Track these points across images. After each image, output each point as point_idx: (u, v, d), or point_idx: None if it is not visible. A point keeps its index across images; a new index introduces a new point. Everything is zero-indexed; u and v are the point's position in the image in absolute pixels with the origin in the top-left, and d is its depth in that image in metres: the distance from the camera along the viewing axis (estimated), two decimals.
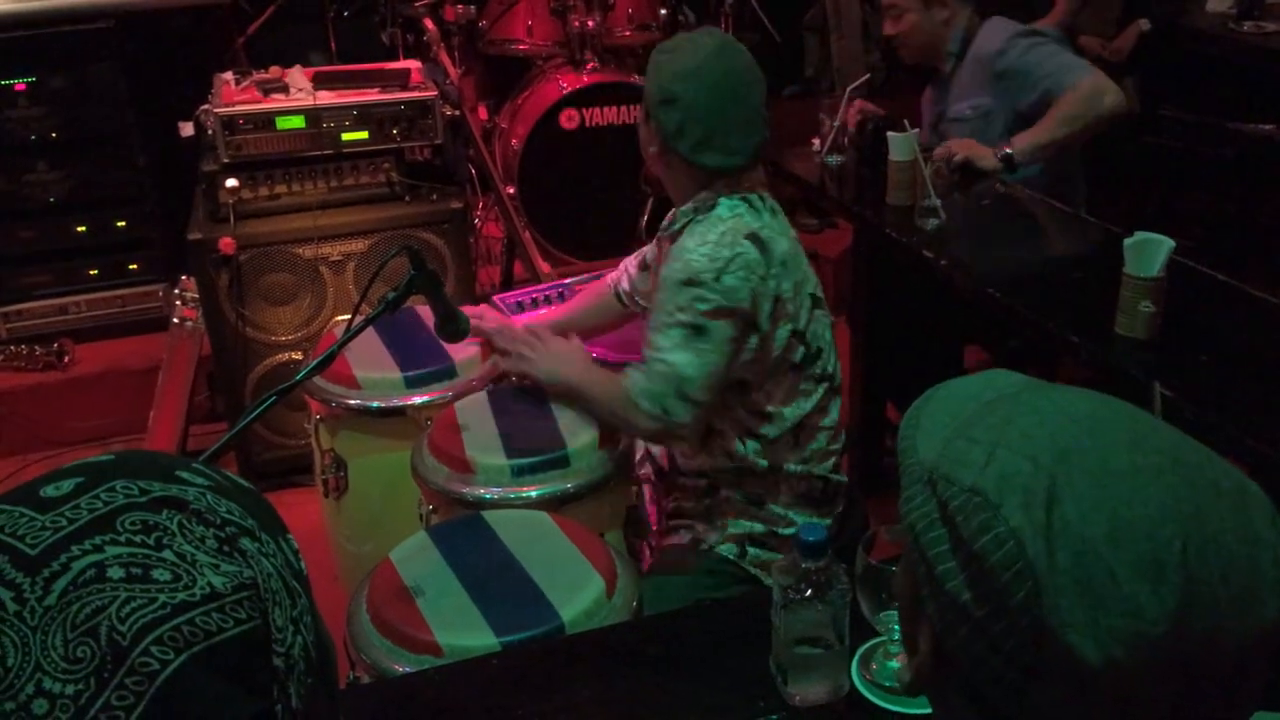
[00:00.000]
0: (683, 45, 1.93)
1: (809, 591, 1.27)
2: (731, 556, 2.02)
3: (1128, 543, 0.67)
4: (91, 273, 3.67)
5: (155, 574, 0.61)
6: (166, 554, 0.62)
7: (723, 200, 1.93)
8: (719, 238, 1.87)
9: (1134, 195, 4.39)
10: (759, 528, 2.02)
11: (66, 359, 3.59)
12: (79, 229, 3.61)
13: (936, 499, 0.75)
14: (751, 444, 1.99)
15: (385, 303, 1.68)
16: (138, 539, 0.62)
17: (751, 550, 2.02)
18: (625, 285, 2.33)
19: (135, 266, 3.70)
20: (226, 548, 0.64)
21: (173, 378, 3.39)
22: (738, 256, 1.86)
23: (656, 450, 2.25)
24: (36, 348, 3.57)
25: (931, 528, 0.75)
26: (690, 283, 1.85)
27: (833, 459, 2.05)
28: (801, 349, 1.97)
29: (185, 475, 0.68)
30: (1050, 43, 2.88)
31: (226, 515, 0.66)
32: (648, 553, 2.14)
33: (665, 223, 2.07)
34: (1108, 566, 0.67)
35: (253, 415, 1.54)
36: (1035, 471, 0.71)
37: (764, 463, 1.99)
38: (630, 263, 2.34)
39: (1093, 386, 2.51)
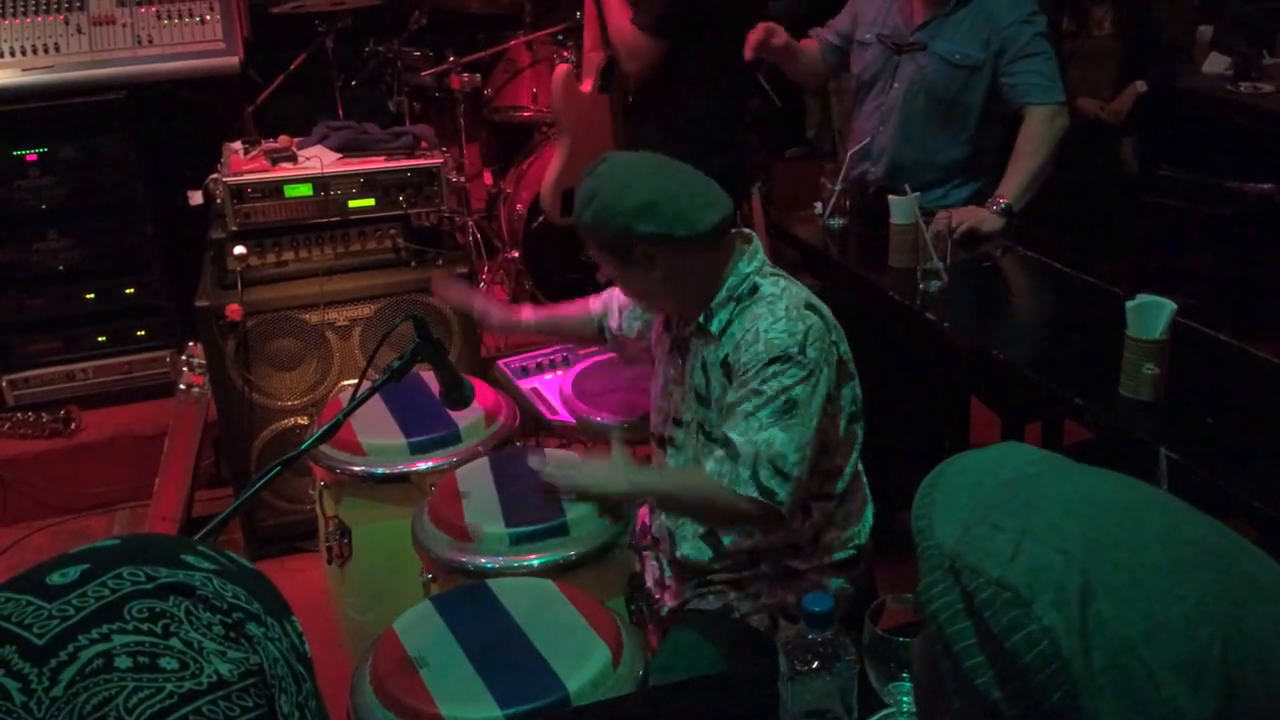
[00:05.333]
0: (600, 183, 1.87)
1: (816, 663, 1.25)
2: (762, 629, 1.99)
3: (1166, 643, 0.65)
4: (100, 339, 3.70)
5: (163, 662, 0.61)
6: (174, 642, 0.62)
7: (759, 281, 1.91)
8: (787, 311, 1.85)
9: (1135, 255, 4.41)
10: (792, 599, 1.99)
11: (73, 425, 3.60)
12: (88, 296, 3.64)
13: (960, 589, 0.72)
14: (816, 508, 1.96)
15: (390, 371, 1.69)
16: (145, 627, 0.62)
17: (783, 622, 1.99)
18: (613, 323, 2.28)
19: (143, 333, 3.73)
20: (233, 634, 0.64)
21: (179, 444, 3.40)
22: (811, 328, 1.84)
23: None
24: (43, 414, 3.58)
25: (956, 619, 0.72)
26: (778, 360, 1.81)
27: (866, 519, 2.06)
28: (856, 406, 1.98)
29: (191, 559, 0.68)
30: (1048, 43, 2.90)
31: (233, 600, 0.66)
32: (652, 621, 2.11)
33: (687, 321, 1.97)
34: (1147, 668, 0.65)
35: (257, 486, 1.54)
36: (1067, 566, 0.68)
37: (812, 531, 1.97)
38: (620, 303, 2.27)
39: (1098, 449, 2.50)
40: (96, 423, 3.66)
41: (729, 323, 1.90)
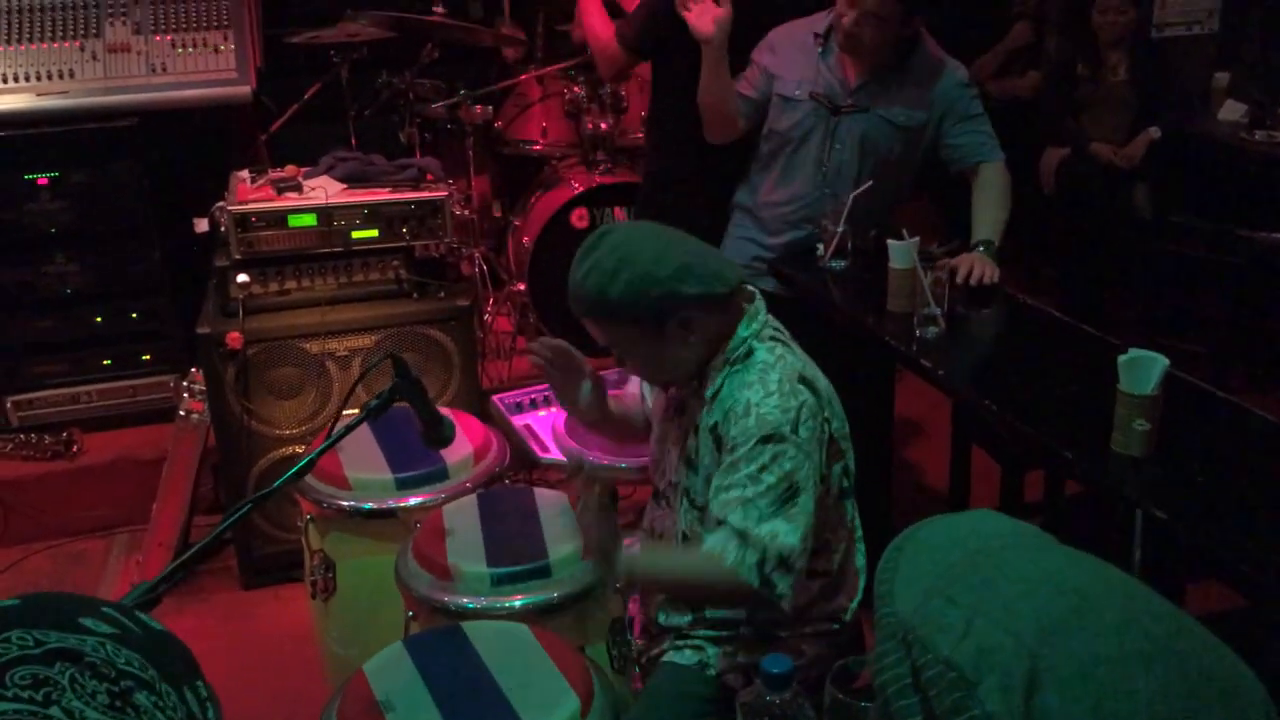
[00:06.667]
0: (616, 256, 1.80)
1: None
2: (736, 688, 1.96)
3: None
4: (105, 363, 3.72)
5: None
6: (54, 710, 0.61)
7: (756, 345, 1.86)
8: (779, 385, 1.79)
9: (1146, 301, 4.37)
10: None
11: (75, 448, 3.62)
12: (94, 319, 3.66)
13: (910, 662, 0.71)
14: (800, 584, 1.88)
15: (367, 410, 1.68)
16: (25, 694, 0.61)
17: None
18: (646, 409, 2.21)
19: (148, 357, 3.75)
20: (119, 703, 0.63)
21: (177, 470, 3.40)
22: (803, 405, 1.78)
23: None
24: (45, 436, 3.60)
25: (903, 694, 0.71)
26: (769, 439, 1.76)
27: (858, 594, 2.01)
28: (848, 481, 1.93)
29: (88, 623, 0.67)
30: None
31: (124, 667, 0.65)
32: (634, 668, 2.09)
33: (688, 384, 1.94)
34: None
35: (226, 524, 1.54)
36: (1017, 650, 0.67)
37: (800, 603, 1.91)
38: (644, 391, 2.23)
39: (1088, 503, 2.47)
40: (98, 446, 3.68)
41: (720, 387, 1.85)
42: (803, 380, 1.82)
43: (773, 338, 1.89)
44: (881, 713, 0.73)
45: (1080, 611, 0.68)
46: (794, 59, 3.02)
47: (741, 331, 1.86)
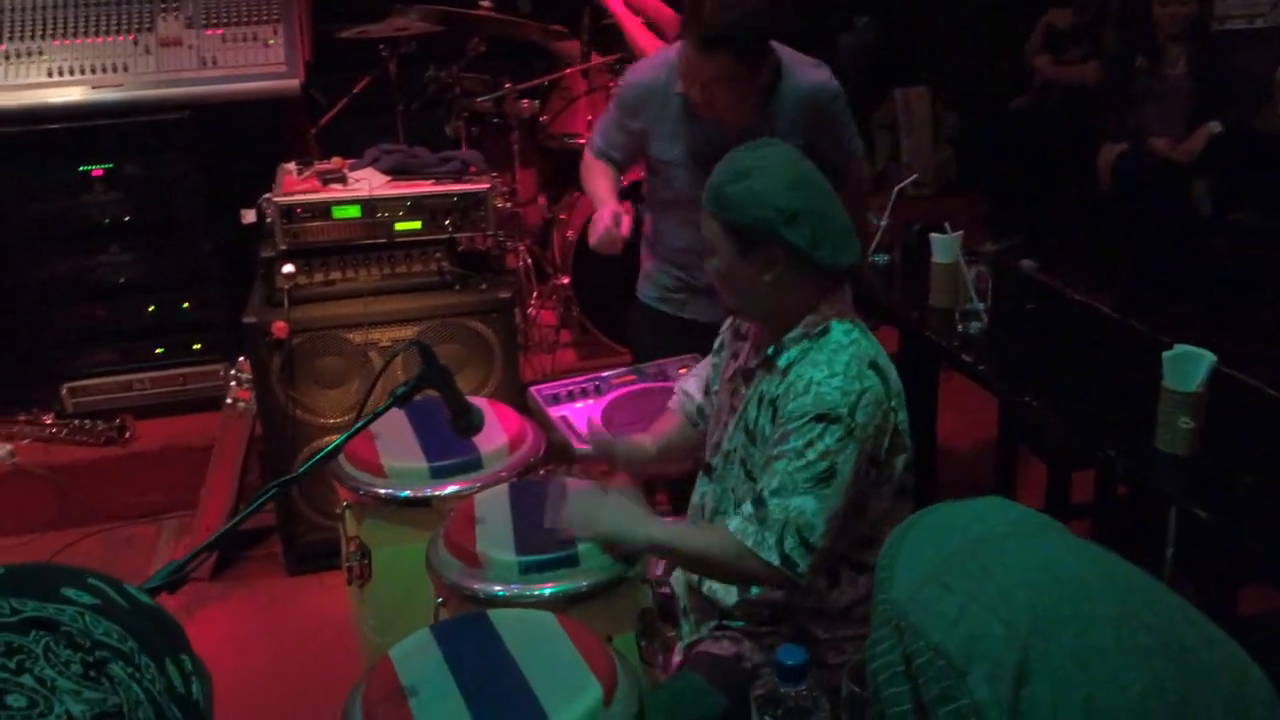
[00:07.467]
0: (762, 164, 1.82)
1: (787, 717, 1.22)
2: None
3: None
4: (157, 351, 3.79)
5: (10, 700, 0.60)
6: (26, 679, 0.61)
7: (834, 324, 1.84)
8: (846, 368, 1.77)
9: (1201, 300, 4.27)
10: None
11: (127, 435, 3.69)
12: (148, 309, 3.73)
13: (903, 649, 0.70)
14: (851, 578, 1.90)
15: (394, 397, 1.69)
16: None
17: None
18: (692, 409, 2.21)
19: (199, 346, 3.81)
20: (93, 673, 0.63)
21: (224, 457, 3.46)
22: (867, 391, 1.76)
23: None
24: (99, 423, 3.67)
25: (893, 682, 0.70)
26: (823, 418, 1.74)
27: None
28: (910, 481, 1.90)
29: (70, 593, 0.67)
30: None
31: (101, 638, 0.65)
32: (662, 657, 2.08)
33: (758, 352, 1.93)
34: None
35: (252, 508, 1.55)
36: (1009, 639, 0.65)
37: (844, 601, 1.91)
38: (691, 387, 2.24)
39: (1130, 501, 2.41)
40: (149, 433, 3.75)
41: (794, 360, 1.84)
42: (873, 367, 1.80)
43: (853, 322, 1.87)
44: (873, 700, 0.71)
45: (1077, 601, 0.66)
46: (654, 116, 2.78)
47: (824, 308, 1.85)
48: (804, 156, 1.88)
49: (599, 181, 2.86)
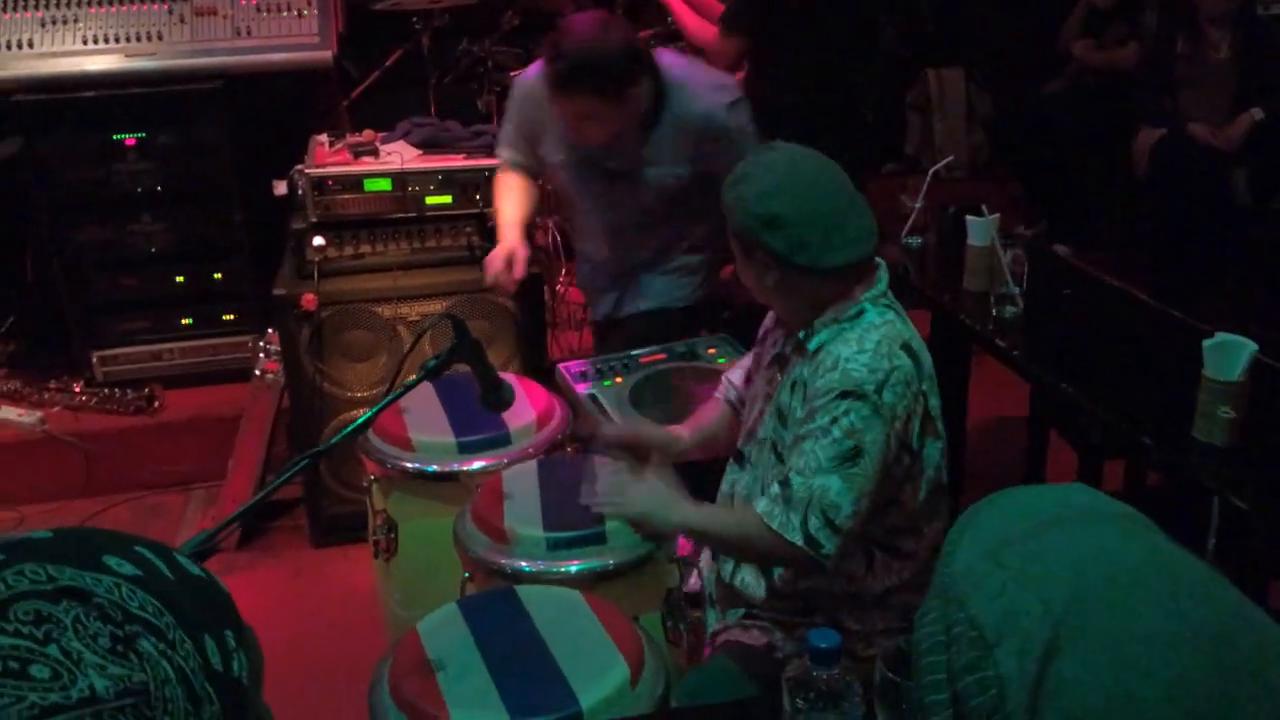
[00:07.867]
0: (752, 171, 1.83)
1: (819, 701, 1.20)
2: None
3: None
4: (186, 322, 3.79)
5: (33, 670, 0.58)
6: (52, 649, 0.59)
7: (868, 306, 1.82)
8: (875, 346, 1.76)
9: (1240, 289, 4.20)
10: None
11: (156, 404, 3.70)
12: (178, 279, 3.74)
13: (945, 620, 0.69)
14: (880, 560, 1.88)
15: (425, 370, 1.68)
16: (26, 630, 0.59)
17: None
18: (734, 397, 2.20)
19: (229, 317, 3.82)
20: (121, 648, 0.61)
21: (252, 428, 3.47)
22: (896, 370, 1.74)
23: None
24: (128, 391, 3.69)
25: (933, 650, 0.70)
26: (849, 394, 1.73)
27: None
28: (945, 472, 1.88)
29: (112, 562, 0.65)
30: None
31: (136, 611, 0.63)
32: (688, 639, 2.06)
33: (791, 336, 1.91)
34: None
35: (281, 480, 1.55)
36: (1044, 616, 0.64)
37: (879, 588, 1.89)
38: (735, 377, 2.21)
39: (1169, 495, 2.38)
40: (178, 402, 3.76)
41: (825, 342, 1.82)
42: (905, 348, 1.78)
43: (888, 304, 1.85)
44: (915, 670, 0.70)
45: (1121, 587, 0.65)
46: (543, 119, 2.76)
47: (859, 295, 1.83)
48: (813, 157, 1.86)
49: (506, 206, 2.84)
